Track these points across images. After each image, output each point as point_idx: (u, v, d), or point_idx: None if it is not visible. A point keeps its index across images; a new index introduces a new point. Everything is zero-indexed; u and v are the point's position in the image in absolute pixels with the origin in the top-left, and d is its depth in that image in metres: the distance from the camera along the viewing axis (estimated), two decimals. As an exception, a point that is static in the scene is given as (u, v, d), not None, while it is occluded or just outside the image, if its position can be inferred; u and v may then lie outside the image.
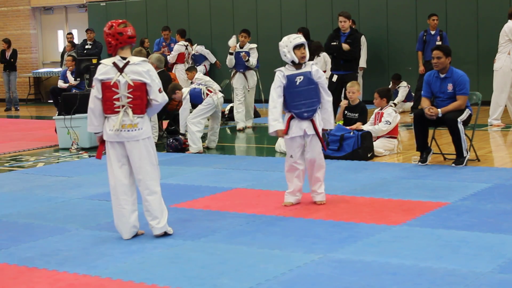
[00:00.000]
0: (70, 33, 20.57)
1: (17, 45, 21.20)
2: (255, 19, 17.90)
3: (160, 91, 5.67)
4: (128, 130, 5.60)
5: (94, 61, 12.08)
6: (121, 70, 5.59)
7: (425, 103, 8.56)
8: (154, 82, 5.65)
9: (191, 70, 11.92)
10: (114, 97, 5.57)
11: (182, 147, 10.47)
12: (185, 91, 10.65)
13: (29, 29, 22.24)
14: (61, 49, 20.72)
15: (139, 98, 5.62)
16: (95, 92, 5.61)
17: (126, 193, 5.67)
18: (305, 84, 6.58)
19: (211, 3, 18.73)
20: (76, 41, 20.29)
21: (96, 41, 17.99)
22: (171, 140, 10.61)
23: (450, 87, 8.48)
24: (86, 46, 17.96)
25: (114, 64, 5.60)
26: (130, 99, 5.59)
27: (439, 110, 8.37)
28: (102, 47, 17.62)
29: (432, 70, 8.72)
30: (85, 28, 19.32)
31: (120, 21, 5.69)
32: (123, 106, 5.59)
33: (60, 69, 19.31)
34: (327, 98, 6.65)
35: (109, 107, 5.60)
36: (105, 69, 5.61)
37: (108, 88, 5.57)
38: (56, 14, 22.33)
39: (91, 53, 16.96)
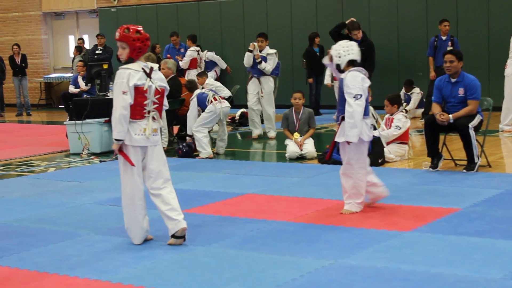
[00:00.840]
0: (81, 39, 20.67)
1: (28, 50, 21.30)
2: (265, 24, 17.90)
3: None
4: (153, 135, 5.68)
5: (105, 66, 12.10)
6: (149, 75, 5.65)
7: (436, 109, 8.53)
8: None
9: (201, 75, 11.99)
10: (145, 102, 5.63)
11: (192, 154, 10.49)
12: (194, 94, 10.76)
13: (40, 34, 22.32)
14: (72, 55, 20.82)
15: (161, 103, 5.76)
16: (129, 99, 5.55)
17: (142, 198, 5.71)
18: (338, 91, 6.73)
19: (221, 9, 18.76)
20: (87, 46, 20.38)
21: (106, 46, 18.03)
22: (181, 145, 10.63)
23: (461, 91, 8.45)
24: (97, 52, 18.00)
25: (143, 69, 5.65)
26: (157, 105, 5.70)
27: (450, 116, 8.35)
28: (112, 52, 17.63)
29: (443, 75, 8.69)
30: (96, 33, 19.40)
31: (137, 26, 5.72)
32: (149, 111, 5.66)
33: (71, 74, 19.39)
34: (346, 107, 6.44)
35: (139, 112, 5.62)
36: (138, 75, 5.60)
37: (140, 93, 5.60)
38: (67, 19, 22.41)
39: (102, 58, 17.00)
